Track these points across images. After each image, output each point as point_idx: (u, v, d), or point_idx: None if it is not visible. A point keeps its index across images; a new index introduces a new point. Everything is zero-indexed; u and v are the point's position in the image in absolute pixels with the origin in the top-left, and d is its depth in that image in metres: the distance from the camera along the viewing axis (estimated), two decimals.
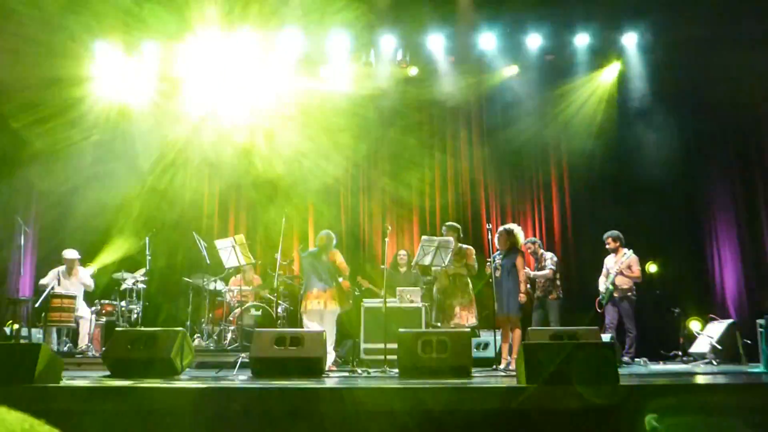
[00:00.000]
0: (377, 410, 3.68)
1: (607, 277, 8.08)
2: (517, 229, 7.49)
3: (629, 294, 7.90)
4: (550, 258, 8.20)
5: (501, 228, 7.53)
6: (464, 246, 7.46)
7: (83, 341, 8.30)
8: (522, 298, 7.07)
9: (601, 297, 8.08)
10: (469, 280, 7.35)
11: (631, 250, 7.95)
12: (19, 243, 8.85)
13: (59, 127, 9.98)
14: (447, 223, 7.75)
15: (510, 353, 7.00)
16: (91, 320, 8.43)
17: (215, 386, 4.41)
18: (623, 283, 7.91)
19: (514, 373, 6.02)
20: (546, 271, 8.04)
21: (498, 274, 7.15)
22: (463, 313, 7.14)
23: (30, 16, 8.77)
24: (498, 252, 7.36)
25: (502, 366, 6.96)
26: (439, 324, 7.19)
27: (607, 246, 8.13)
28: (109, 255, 9.69)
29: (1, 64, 9.21)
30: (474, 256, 7.43)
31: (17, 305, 8.69)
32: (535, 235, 10.23)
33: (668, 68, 9.94)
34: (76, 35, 9.96)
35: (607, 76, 10.36)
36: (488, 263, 7.38)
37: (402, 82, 10.54)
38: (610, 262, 8.07)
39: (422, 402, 3.73)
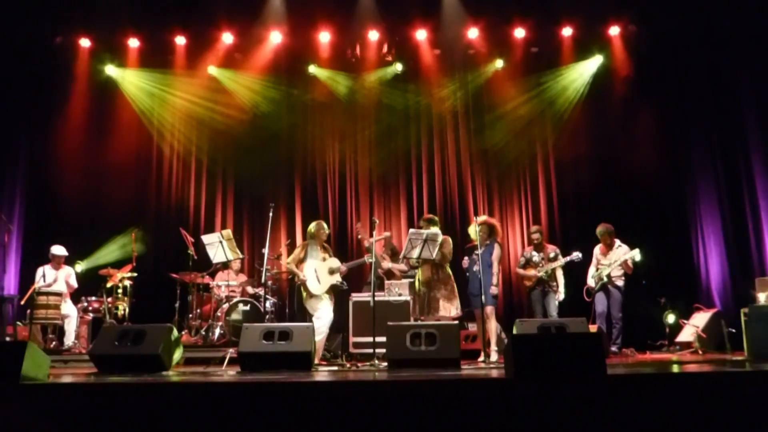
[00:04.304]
0: (366, 404, 3.68)
1: (597, 267, 8.12)
2: (496, 222, 7.63)
3: (620, 283, 7.99)
4: (553, 250, 8.16)
5: (480, 220, 7.39)
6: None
7: (70, 338, 8.25)
8: (493, 290, 7.16)
9: (592, 286, 8.11)
10: (450, 272, 7.35)
11: (627, 247, 7.99)
12: (3, 240, 8.77)
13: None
14: (426, 217, 7.73)
15: (488, 345, 7.03)
16: (77, 317, 8.37)
17: (204, 382, 4.40)
18: (616, 273, 8.00)
19: (501, 365, 6.06)
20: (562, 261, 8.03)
21: (476, 267, 7.14)
22: (447, 305, 7.15)
23: None
24: (473, 244, 7.27)
25: (481, 358, 6.98)
26: (422, 317, 7.17)
27: (603, 241, 8.17)
28: (95, 254, 9.62)
29: None
30: (450, 246, 7.43)
31: (2, 303, 8.60)
32: (521, 227, 10.27)
33: (652, 60, 9.99)
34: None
35: (592, 67, 10.38)
36: (466, 259, 7.39)
37: (388, 76, 10.53)
38: (606, 254, 8.12)
39: (411, 395, 3.74)
